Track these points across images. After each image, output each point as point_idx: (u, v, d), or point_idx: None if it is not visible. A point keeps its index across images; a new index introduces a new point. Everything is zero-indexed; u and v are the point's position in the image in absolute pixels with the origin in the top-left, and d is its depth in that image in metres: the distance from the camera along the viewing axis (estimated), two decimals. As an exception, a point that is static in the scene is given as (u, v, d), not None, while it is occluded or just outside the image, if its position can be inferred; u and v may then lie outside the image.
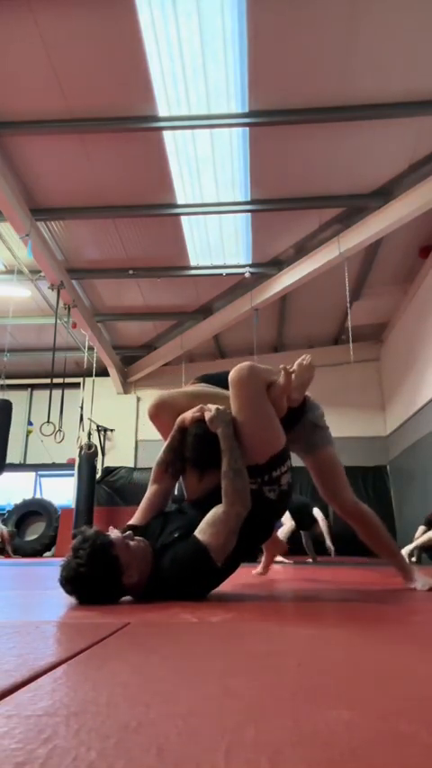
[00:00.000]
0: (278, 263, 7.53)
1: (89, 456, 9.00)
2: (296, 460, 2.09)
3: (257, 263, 7.55)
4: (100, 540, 1.63)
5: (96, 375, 9.58)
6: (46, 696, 0.66)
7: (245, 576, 3.05)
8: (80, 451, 9.01)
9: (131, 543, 1.70)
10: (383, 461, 9.70)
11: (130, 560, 1.65)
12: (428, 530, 5.79)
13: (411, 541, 5.88)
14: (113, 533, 1.69)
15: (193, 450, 1.91)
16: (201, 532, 1.72)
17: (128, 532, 1.75)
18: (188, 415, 1.96)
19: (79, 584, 1.61)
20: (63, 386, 7.51)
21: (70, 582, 1.61)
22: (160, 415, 2.09)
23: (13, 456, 10.22)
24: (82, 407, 8.85)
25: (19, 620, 1.48)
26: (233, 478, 1.77)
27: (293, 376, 1.99)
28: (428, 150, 5.66)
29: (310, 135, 5.34)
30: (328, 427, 2.35)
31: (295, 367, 2.01)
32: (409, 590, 2.18)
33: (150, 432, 8.99)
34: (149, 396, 10.67)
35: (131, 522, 1.93)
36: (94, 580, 1.60)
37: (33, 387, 11.33)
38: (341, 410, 10.12)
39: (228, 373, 1.97)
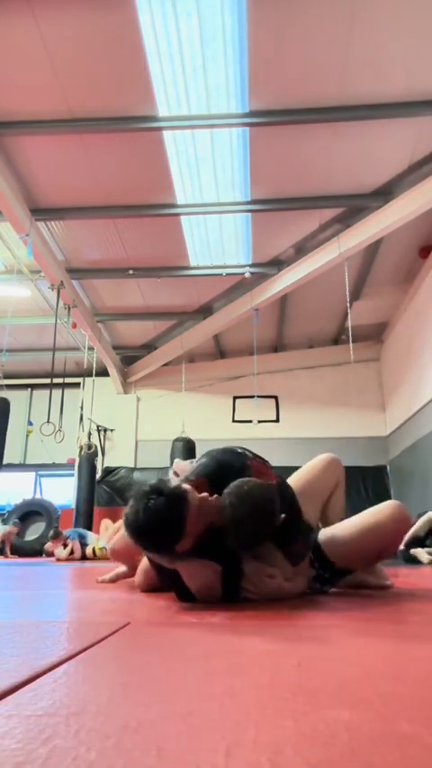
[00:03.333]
0: (278, 263, 7.53)
1: (89, 456, 9.00)
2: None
3: (257, 263, 7.55)
4: (180, 500, 1.54)
5: (96, 375, 9.58)
6: (46, 696, 0.67)
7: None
8: (80, 451, 9.01)
9: (205, 512, 1.57)
10: (383, 461, 9.70)
11: (194, 529, 1.56)
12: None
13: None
14: (193, 496, 1.57)
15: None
16: (249, 568, 1.71)
17: (205, 495, 1.61)
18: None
19: (144, 528, 1.54)
20: (63, 386, 7.51)
21: (135, 524, 1.55)
22: None
23: (13, 456, 10.23)
24: (82, 407, 8.85)
25: (19, 620, 1.48)
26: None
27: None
28: (428, 150, 5.66)
29: (310, 135, 5.34)
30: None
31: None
32: (407, 590, 2.18)
33: (150, 432, 8.97)
34: (149, 396, 10.68)
35: None
36: (159, 529, 1.54)
37: (33, 387, 11.33)
38: (341, 410, 10.14)
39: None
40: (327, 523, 2.05)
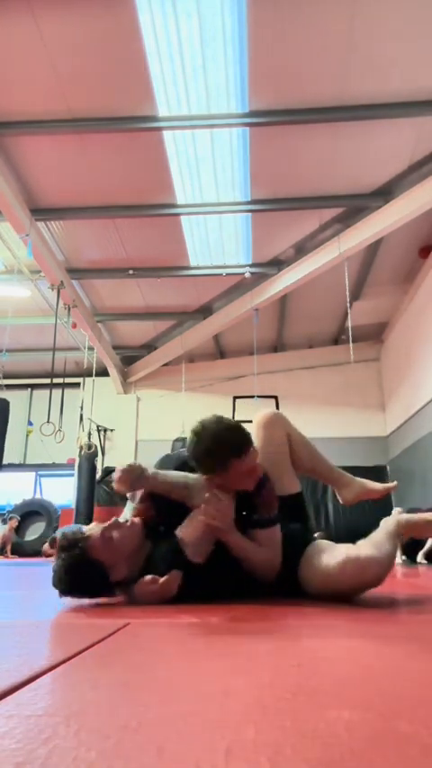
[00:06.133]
0: (278, 263, 7.53)
1: (89, 456, 9.00)
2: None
3: (257, 263, 7.55)
4: (78, 547, 1.62)
5: (96, 375, 9.58)
6: (46, 696, 0.67)
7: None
8: (80, 451, 9.01)
9: (115, 536, 1.65)
10: (383, 461, 9.70)
11: (115, 558, 1.64)
12: None
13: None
14: (94, 531, 1.66)
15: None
16: (180, 527, 1.69)
17: (112, 520, 1.70)
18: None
19: (66, 588, 1.65)
20: (63, 386, 7.51)
21: (57, 587, 1.66)
22: None
23: (13, 456, 10.22)
24: (82, 407, 8.85)
25: (19, 620, 1.48)
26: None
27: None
28: (428, 150, 5.66)
29: (310, 135, 5.34)
30: None
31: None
32: (408, 591, 2.18)
33: (150, 432, 8.96)
34: (149, 396, 10.68)
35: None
36: (80, 585, 1.65)
37: (33, 387, 11.33)
38: (341, 410, 10.13)
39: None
40: (308, 473, 2.08)
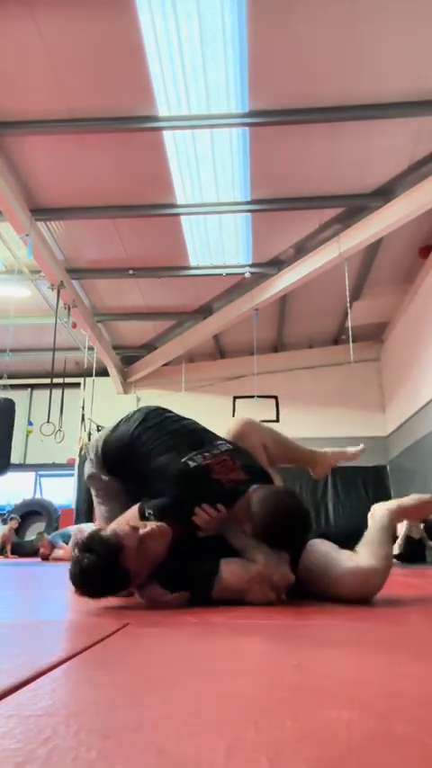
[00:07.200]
0: (278, 263, 7.53)
1: (89, 456, 8.98)
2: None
3: (257, 263, 7.54)
4: (111, 552, 1.56)
5: (96, 375, 9.57)
6: (46, 696, 0.67)
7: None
8: (80, 451, 9.01)
9: (150, 546, 1.60)
10: (383, 461, 9.69)
11: (143, 566, 1.61)
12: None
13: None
14: (129, 537, 1.58)
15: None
16: (227, 563, 1.65)
17: (149, 529, 1.62)
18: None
19: (89, 590, 1.60)
20: (63, 386, 7.51)
21: (78, 587, 1.61)
22: None
23: (13, 456, 10.21)
24: (83, 407, 8.85)
25: (19, 621, 1.48)
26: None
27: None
28: (428, 150, 5.66)
29: (310, 135, 5.33)
30: None
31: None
32: (407, 591, 2.18)
33: (150, 432, 8.75)
34: (149, 396, 10.68)
35: None
36: (102, 588, 1.61)
37: (33, 387, 11.33)
38: (341, 410, 10.13)
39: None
40: (286, 464, 2.17)
